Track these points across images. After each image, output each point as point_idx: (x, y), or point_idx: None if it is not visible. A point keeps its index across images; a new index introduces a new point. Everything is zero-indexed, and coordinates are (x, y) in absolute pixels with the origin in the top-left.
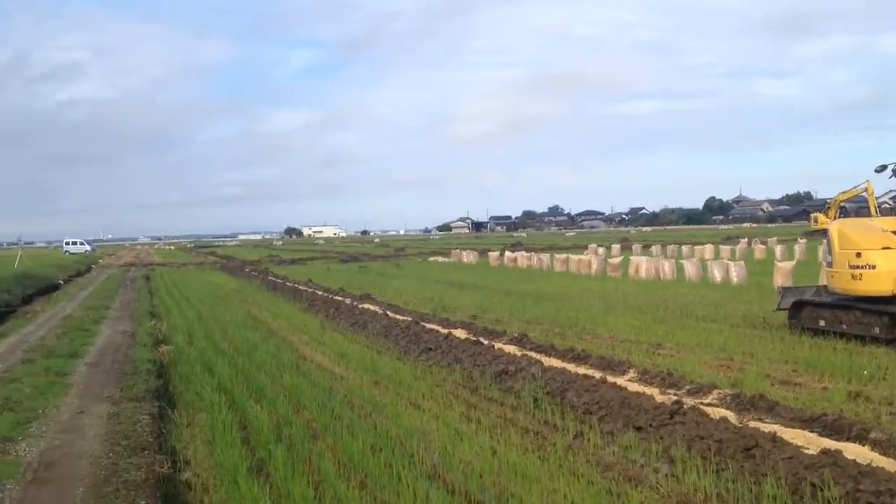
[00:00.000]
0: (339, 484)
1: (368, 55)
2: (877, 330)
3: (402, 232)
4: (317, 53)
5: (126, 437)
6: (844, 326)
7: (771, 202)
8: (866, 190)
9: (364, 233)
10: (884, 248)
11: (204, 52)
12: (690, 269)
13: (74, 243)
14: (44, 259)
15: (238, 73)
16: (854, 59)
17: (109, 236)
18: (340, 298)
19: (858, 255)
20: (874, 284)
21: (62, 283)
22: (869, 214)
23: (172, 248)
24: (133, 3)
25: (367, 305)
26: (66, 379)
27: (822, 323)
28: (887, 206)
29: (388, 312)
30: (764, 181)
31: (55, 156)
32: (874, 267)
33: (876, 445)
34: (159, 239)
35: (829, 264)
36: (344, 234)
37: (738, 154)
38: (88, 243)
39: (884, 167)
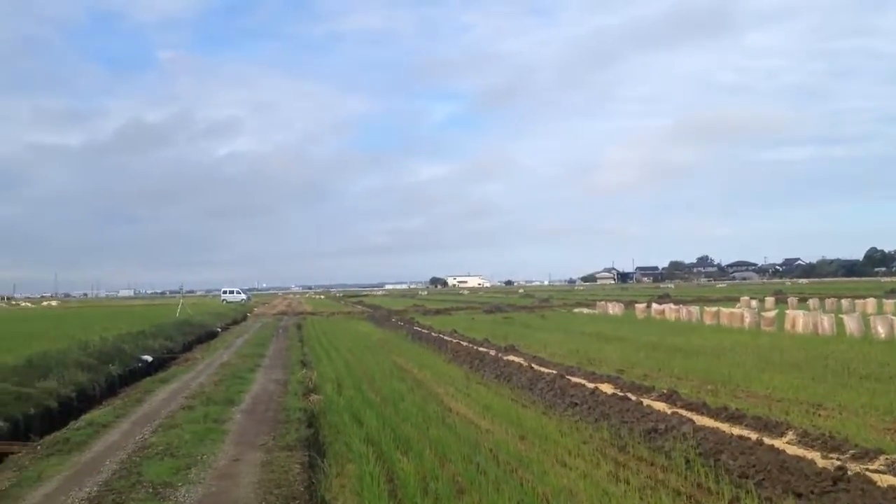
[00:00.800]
0: None
1: (511, 105)
2: None
3: (546, 282)
4: (458, 106)
5: (278, 486)
6: None
7: None
8: None
9: (508, 283)
10: None
11: (350, 107)
12: (852, 324)
13: (231, 292)
14: (203, 307)
15: (382, 128)
16: None
17: (264, 285)
18: (485, 350)
19: None
20: None
21: (220, 330)
22: None
23: (322, 297)
24: (283, 61)
25: (511, 357)
26: (223, 426)
27: None
28: None
29: (532, 365)
30: None
31: (215, 209)
32: None
33: None
34: (310, 288)
35: None
36: (488, 284)
37: None
38: (244, 292)
39: None
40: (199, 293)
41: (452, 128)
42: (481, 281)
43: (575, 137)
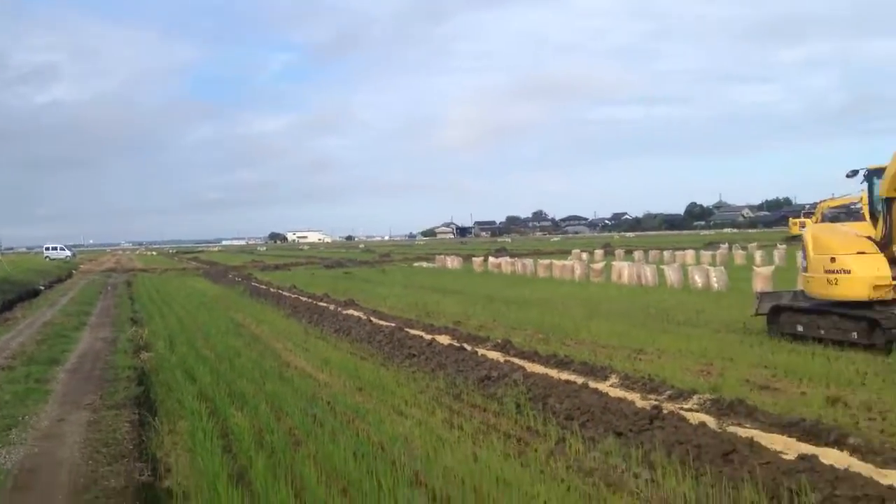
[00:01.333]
0: (320, 491)
1: (350, 58)
2: (854, 335)
3: (386, 237)
4: (295, 57)
5: (106, 445)
6: (822, 331)
7: (751, 208)
8: (861, 200)
9: (349, 238)
10: (858, 253)
11: (179, 55)
12: (672, 274)
13: (55, 248)
14: (24, 264)
15: (215, 77)
16: (834, 65)
17: (91, 241)
18: (324, 304)
19: (833, 259)
20: (850, 289)
21: (43, 288)
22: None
23: (154, 253)
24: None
25: (350, 311)
26: (47, 386)
27: (800, 328)
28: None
29: (371, 318)
30: (744, 187)
31: (35, 160)
32: (849, 272)
33: (854, 451)
34: (141, 244)
35: (805, 269)
36: (329, 240)
37: (719, 160)
38: (69, 248)
39: (855, 172)
40: (19, 250)
41: (290, 79)
42: (322, 236)
43: (415, 92)
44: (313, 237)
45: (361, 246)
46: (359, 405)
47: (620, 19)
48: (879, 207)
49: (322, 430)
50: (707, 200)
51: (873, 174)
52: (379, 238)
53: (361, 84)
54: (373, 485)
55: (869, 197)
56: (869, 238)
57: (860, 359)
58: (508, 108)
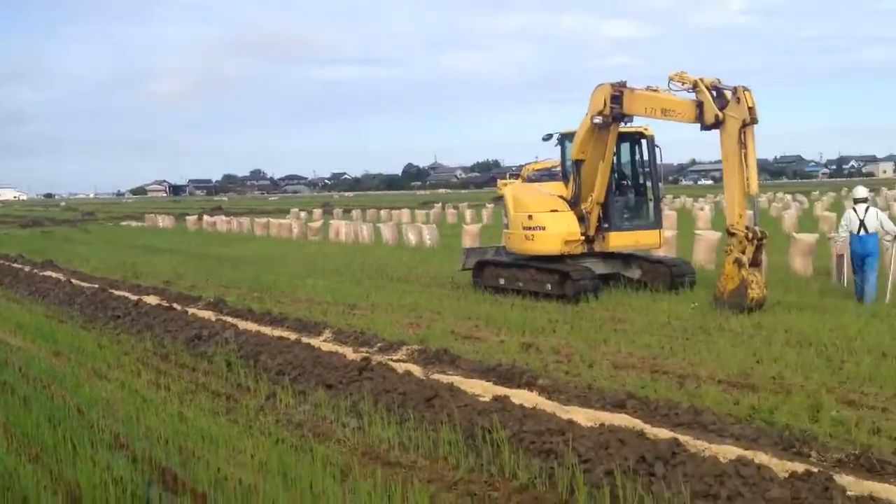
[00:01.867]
0: (10, 459)
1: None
2: (549, 287)
3: (91, 195)
4: None
5: None
6: (521, 284)
7: (464, 169)
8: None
9: (48, 196)
10: (552, 211)
11: None
12: (387, 232)
13: None
14: None
15: None
16: (539, 36)
17: None
18: (19, 266)
19: (530, 217)
20: (544, 244)
21: None
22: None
23: None
24: None
25: (49, 273)
26: None
27: (501, 281)
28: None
29: (72, 280)
30: (458, 149)
31: None
32: (544, 228)
33: (542, 391)
34: None
35: (506, 226)
36: (25, 198)
37: (435, 122)
38: None
39: (549, 136)
40: None
41: None
42: (17, 194)
43: (123, 43)
44: (7, 194)
45: (63, 204)
46: (55, 370)
47: None
48: (570, 169)
49: (13, 396)
50: (424, 161)
51: (565, 138)
52: (83, 196)
53: (60, 32)
54: (68, 450)
55: (562, 159)
56: (561, 197)
57: (553, 308)
58: (225, 63)
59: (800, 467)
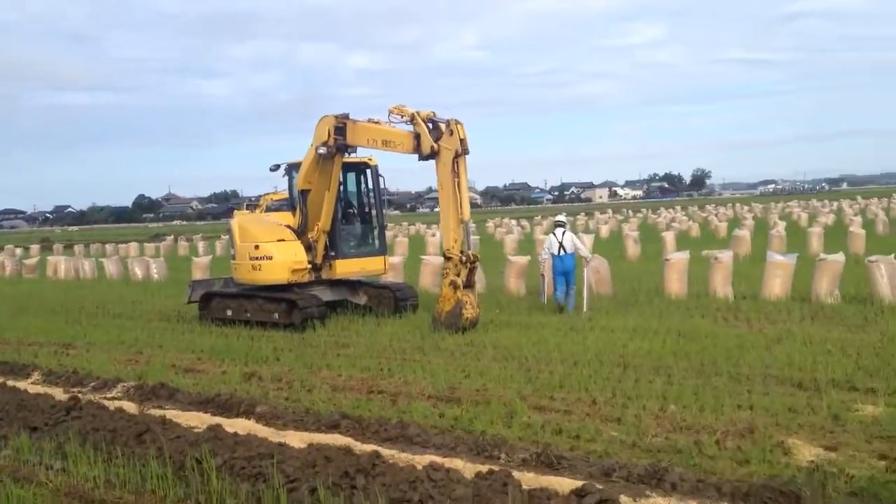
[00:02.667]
0: None
1: None
2: (276, 315)
3: None
4: None
5: None
6: (249, 314)
7: (200, 200)
8: None
9: None
10: (279, 241)
11: None
12: (111, 267)
13: None
14: None
15: None
16: (280, 64)
17: None
18: None
19: (257, 247)
20: (272, 274)
21: None
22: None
23: None
24: None
25: None
26: None
27: (229, 312)
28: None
29: None
30: (194, 179)
31: None
32: (271, 258)
33: (259, 418)
34: None
35: (233, 256)
36: None
37: (169, 151)
38: None
39: (277, 167)
40: None
41: None
42: None
43: None
44: None
45: None
46: None
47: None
48: (297, 198)
49: None
50: (156, 192)
51: (293, 168)
52: None
53: None
54: None
55: (289, 189)
56: (289, 227)
57: (279, 337)
58: None
59: (486, 468)
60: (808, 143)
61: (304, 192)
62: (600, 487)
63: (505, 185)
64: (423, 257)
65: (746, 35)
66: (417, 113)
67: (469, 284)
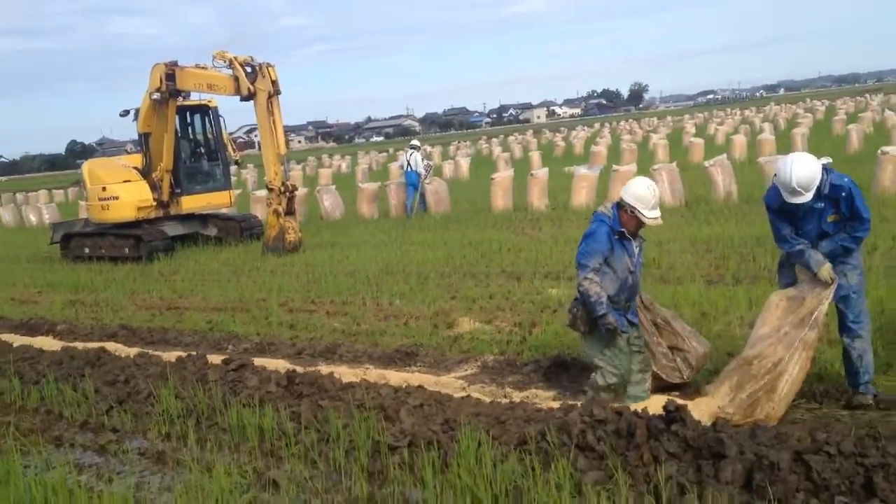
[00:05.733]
0: None
1: None
2: (126, 250)
3: None
4: None
5: None
6: (103, 251)
7: (134, 143)
8: None
9: None
10: (124, 182)
11: None
12: (6, 215)
13: None
14: None
15: None
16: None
17: None
18: None
19: (104, 188)
20: (119, 212)
21: None
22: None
23: None
24: None
25: None
26: None
27: (86, 250)
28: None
29: None
30: (128, 121)
31: None
32: (117, 198)
33: (58, 335)
34: None
35: (86, 199)
36: None
37: (101, 95)
38: None
39: (127, 112)
40: None
41: None
42: None
43: None
44: None
45: None
46: None
47: None
48: (140, 141)
49: None
50: (90, 138)
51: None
52: None
53: None
54: None
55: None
56: (136, 168)
57: (124, 269)
58: None
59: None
60: (744, 50)
61: (145, 136)
62: (241, 356)
63: (444, 111)
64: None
65: None
66: (235, 58)
67: (290, 212)
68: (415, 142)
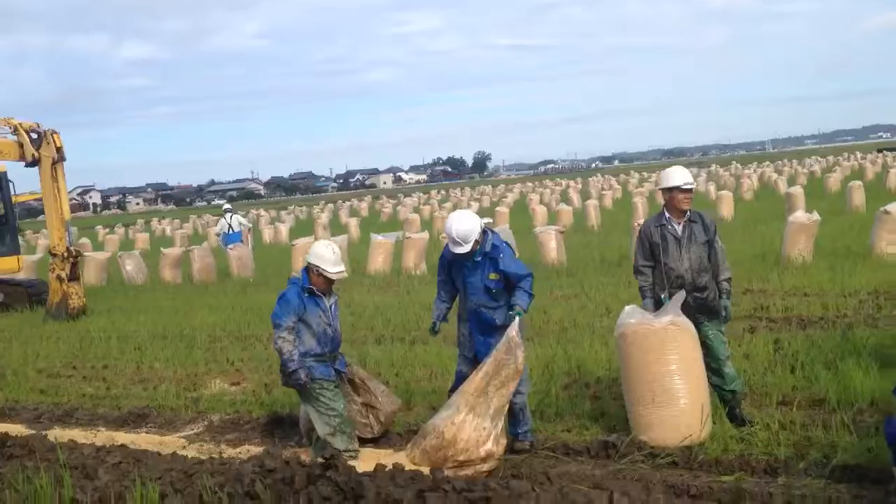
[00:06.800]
0: None
1: None
2: None
3: None
4: None
5: None
6: None
7: None
8: None
9: None
10: None
11: None
12: None
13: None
14: None
15: None
16: (45, 58)
17: None
18: None
19: None
20: None
21: None
22: None
23: None
24: None
25: None
26: None
27: None
28: None
29: None
30: None
31: None
32: None
33: None
34: None
35: None
36: None
37: None
38: None
39: None
40: None
41: None
42: None
43: None
44: None
45: None
46: None
47: None
48: None
49: None
50: None
51: None
52: None
53: None
54: None
55: None
56: None
57: None
58: None
59: None
60: (583, 123)
61: None
62: None
63: (290, 175)
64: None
65: (513, 22)
66: (20, 124)
67: (74, 277)
68: (227, 205)
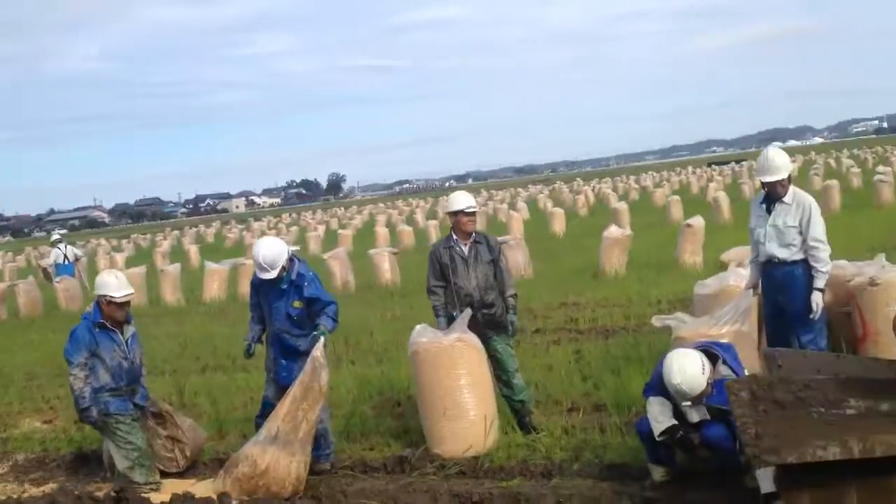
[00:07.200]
0: None
1: None
2: None
3: None
4: None
5: None
6: None
7: None
8: None
9: None
10: None
11: None
12: None
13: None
14: None
15: None
16: None
17: None
18: None
19: None
20: None
21: None
22: None
23: None
24: None
25: None
26: None
27: None
28: None
29: None
30: None
31: None
32: None
33: None
34: None
35: None
36: None
37: None
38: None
39: None
40: None
41: None
42: None
43: None
44: None
45: None
46: None
47: None
48: None
49: None
50: None
51: None
52: None
53: None
54: None
55: None
56: None
57: None
58: None
59: None
60: (436, 143)
61: None
62: None
63: (136, 201)
64: None
65: (368, 44)
66: None
67: None
68: (56, 235)
